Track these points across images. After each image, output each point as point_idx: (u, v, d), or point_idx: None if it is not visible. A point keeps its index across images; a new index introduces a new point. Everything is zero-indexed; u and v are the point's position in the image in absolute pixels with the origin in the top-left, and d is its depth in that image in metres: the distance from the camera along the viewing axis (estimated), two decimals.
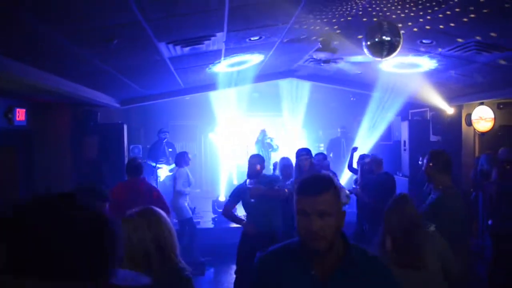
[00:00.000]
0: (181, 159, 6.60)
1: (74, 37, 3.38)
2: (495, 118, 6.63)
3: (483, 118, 6.77)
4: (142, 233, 1.81)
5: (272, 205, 4.41)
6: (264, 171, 4.75)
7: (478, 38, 4.19)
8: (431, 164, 3.17)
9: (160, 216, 1.90)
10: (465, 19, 3.74)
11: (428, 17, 3.83)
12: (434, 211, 2.98)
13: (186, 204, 6.49)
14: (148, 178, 8.27)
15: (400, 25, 3.94)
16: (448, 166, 3.15)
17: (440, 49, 4.80)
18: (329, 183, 1.55)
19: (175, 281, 1.84)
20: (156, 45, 3.99)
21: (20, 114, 5.75)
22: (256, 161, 4.58)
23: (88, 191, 2.83)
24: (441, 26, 3.99)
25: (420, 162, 5.85)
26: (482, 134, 6.78)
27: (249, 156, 4.79)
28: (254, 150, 8.96)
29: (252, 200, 4.44)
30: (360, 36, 4.27)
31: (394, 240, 2.47)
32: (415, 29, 4.21)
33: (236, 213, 4.82)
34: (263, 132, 9.38)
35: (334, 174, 5.70)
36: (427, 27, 4.11)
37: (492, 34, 4.04)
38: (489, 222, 4.80)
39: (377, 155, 5.95)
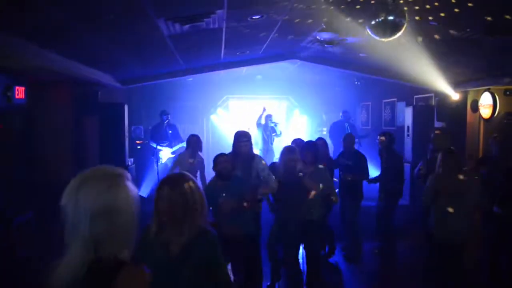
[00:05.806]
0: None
1: (69, 11, 3.31)
2: (493, 105, 6.47)
3: (482, 105, 6.65)
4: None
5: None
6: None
7: (487, 19, 4.06)
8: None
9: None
10: (470, 4, 3.63)
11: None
12: None
13: None
14: (149, 159, 8.28)
15: (405, 8, 3.81)
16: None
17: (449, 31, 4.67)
18: None
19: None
20: (154, 21, 3.91)
21: (20, 92, 5.69)
22: (228, 160, 4.06)
23: None
24: (445, 12, 3.86)
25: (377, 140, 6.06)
26: (487, 120, 6.65)
27: (216, 156, 4.23)
28: (256, 133, 8.89)
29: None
30: (361, 20, 4.15)
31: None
32: (421, 12, 4.08)
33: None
34: (269, 117, 9.27)
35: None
36: (433, 9, 3.98)
37: (506, 16, 3.91)
38: None
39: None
